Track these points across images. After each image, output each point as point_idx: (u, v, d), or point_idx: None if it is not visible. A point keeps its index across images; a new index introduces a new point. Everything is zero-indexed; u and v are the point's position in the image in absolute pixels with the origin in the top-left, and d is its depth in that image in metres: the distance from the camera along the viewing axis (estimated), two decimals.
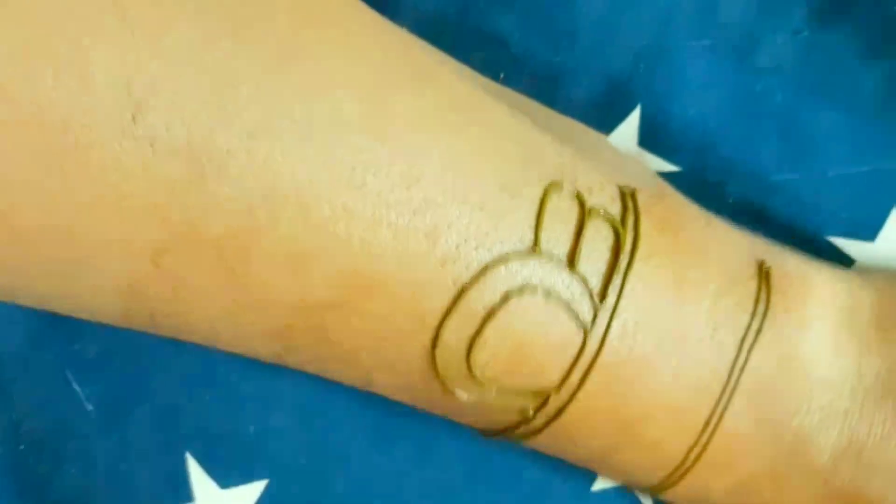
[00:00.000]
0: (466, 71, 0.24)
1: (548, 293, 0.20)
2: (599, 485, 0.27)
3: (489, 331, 0.20)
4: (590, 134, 0.26)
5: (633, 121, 0.29)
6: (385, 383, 0.22)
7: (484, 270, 0.20)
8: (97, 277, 0.19)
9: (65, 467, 0.25)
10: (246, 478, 0.25)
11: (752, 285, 0.22)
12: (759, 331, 0.22)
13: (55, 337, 0.25)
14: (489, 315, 0.20)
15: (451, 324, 0.20)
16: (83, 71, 0.17)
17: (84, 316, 0.22)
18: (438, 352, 0.21)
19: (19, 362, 0.25)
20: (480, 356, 0.21)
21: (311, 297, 0.20)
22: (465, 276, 0.20)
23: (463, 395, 0.21)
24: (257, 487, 0.25)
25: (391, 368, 0.21)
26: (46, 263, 0.19)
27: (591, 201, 0.21)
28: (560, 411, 0.21)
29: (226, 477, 0.25)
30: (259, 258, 0.19)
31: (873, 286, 0.24)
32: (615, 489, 0.27)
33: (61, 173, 0.17)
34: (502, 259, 0.20)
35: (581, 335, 0.21)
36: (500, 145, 0.21)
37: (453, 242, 0.20)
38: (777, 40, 0.29)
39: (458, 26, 0.29)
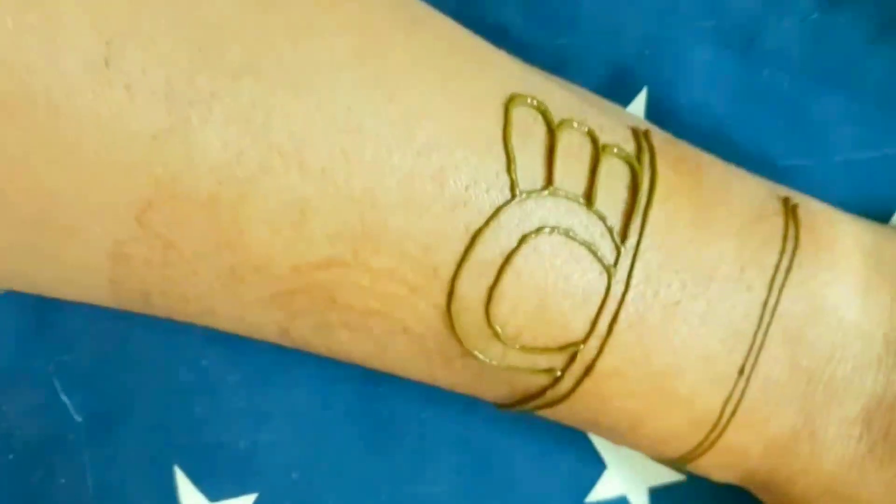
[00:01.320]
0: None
1: (566, 233, 0.19)
2: (594, 496, 0.26)
3: (507, 280, 0.19)
4: (595, 96, 0.26)
5: (639, 104, 0.28)
6: (399, 352, 0.21)
7: (497, 213, 0.19)
8: (83, 243, 0.18)
9: (54, 478, 0.25)
10: (236, 491, 0.25)
11: (779, 221, 0.21)
12: (788, 269, 0.21)
13: (43, 347, 0.25)
14: (506, 261, 0.19)
15: (466, 274, 0.19)
16: (49, 11, 0.16)
17: (73, 293, 0.20)
18: (454, 307, 0.19)
19: (8, 373, 0.25)
20: (500, 310, 0.19)
21: (313, 255, 0.19)
22: (478, 221, 0.19)
23: (484, 356, 0.20)
24: (247, 501, 0.25)
25: (405, 332, 0.20)
26: (31, 233, 0.18)
27: (603, 139, 0.20)
28: (590, 367, 0.20)
29: (215, 490, 0.25)
30: (253, 213, 0.18)
31: None
32: (611, 501, 0.26)
33: (33, 125, 0.16)
34: (516, 199, 0.19)
35: (605, 279, 0.19)
36: (504, 86, 0.20)
37: (462, 184, 0.19)
38: (784, 25, 0.29)
39: (458, 14, 0.28)
